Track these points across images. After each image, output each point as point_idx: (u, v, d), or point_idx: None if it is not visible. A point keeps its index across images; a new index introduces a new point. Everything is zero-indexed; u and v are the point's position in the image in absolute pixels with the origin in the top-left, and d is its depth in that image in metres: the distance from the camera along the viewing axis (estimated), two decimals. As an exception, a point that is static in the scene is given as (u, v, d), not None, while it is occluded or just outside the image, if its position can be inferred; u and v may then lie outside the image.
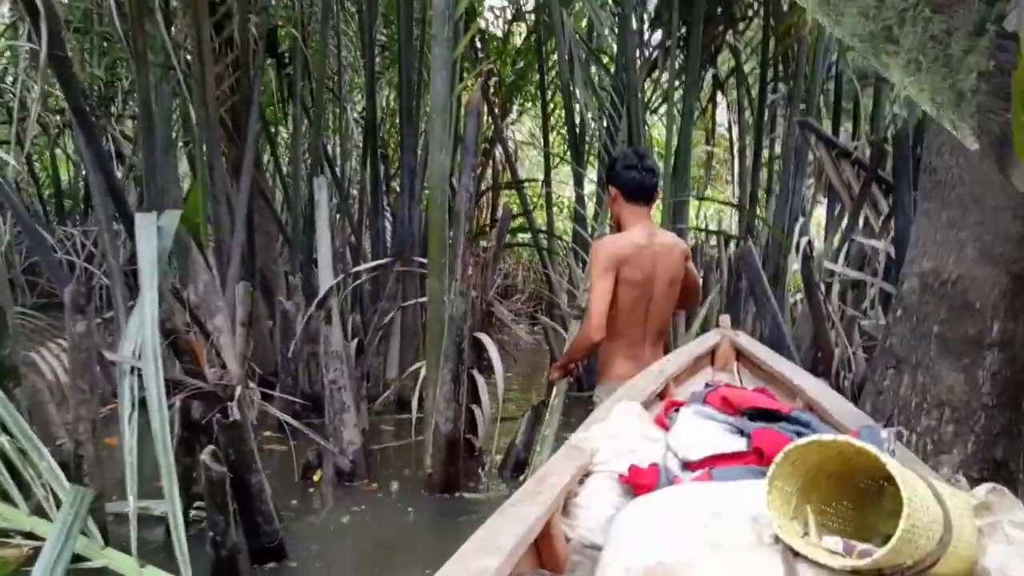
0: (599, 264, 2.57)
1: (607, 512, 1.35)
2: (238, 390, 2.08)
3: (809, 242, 4.29)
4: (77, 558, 1.94)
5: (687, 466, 1.47)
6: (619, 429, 1.61)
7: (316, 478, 3.38)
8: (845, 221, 5.48)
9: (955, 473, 2.21)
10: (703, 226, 9.07)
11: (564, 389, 3.41)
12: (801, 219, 5.04)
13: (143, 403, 1.90)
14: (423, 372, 3.42)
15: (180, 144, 8.40)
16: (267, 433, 3.65)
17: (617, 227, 2.78)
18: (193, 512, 2.53)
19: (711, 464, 1.43)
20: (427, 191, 5.90)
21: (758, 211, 6.60)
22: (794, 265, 5.13)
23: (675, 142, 5.71)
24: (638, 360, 2.63)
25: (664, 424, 1.71)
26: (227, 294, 3.62)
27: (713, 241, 7.86)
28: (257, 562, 2.32)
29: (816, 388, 2.08)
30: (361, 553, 2.70)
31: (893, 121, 7.65)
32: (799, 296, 6.23)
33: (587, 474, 1.49)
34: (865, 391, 2.59)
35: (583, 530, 1.34)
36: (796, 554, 0.97)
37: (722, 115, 8.98)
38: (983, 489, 1.09)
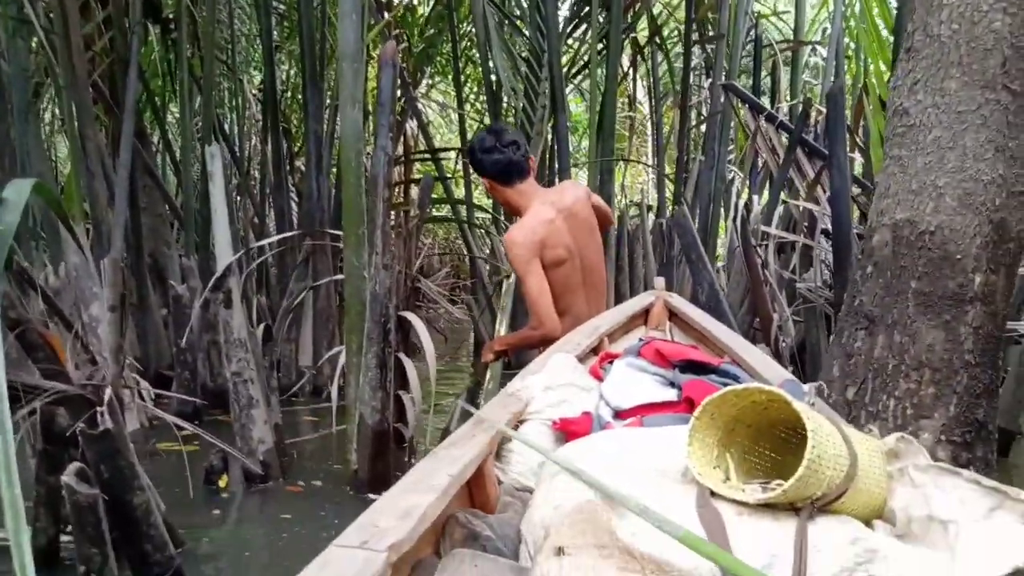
0: (520, 259, 2.36)
1: (539, 457, 1.37)
2: (108, 391, 1.66)
3: (746, 205, 4.12)
4: None
5: (619, 415, 1.51)
6: (554, 380, 1.64)
7: (222, 484, 2.95)
8: (767, 185, 5.42)
9: (937, 437, 2.05)
10: (624, 197, 8.93)
11: (499, 372, 3.13)
12: (737, 183, 4.90)
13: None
14: (343, 357, 3.04)
15: (58, 120, 7.58)
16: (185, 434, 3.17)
17: (514, 212, 2.57)
18: (66, 538, 2.09)
19: (642, 412, 1.48)
20: (336, 160, 5.47)
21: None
22: (727, 229, 5.00)
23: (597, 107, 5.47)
24: None
25: (598, 375, 1.76)
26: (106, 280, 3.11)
27: (632, 212, 7.73)
28: (149, 598, 1.91)
29: (743, 346, 2.15)
30: (276, 571, 2.31)
31: (805, 89, 7.71)
32: (720, 264, 6.17)
33: (521, 421, 1.53)
34: (830, 354, 2.41)
35: (515, 474, 1.39)
36: (715, 494, 1.01)
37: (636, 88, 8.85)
38: (892, 438, 1.15)
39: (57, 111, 7.29)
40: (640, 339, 2.00)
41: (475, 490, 1.29)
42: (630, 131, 8.71)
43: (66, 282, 2.59)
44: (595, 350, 2.13)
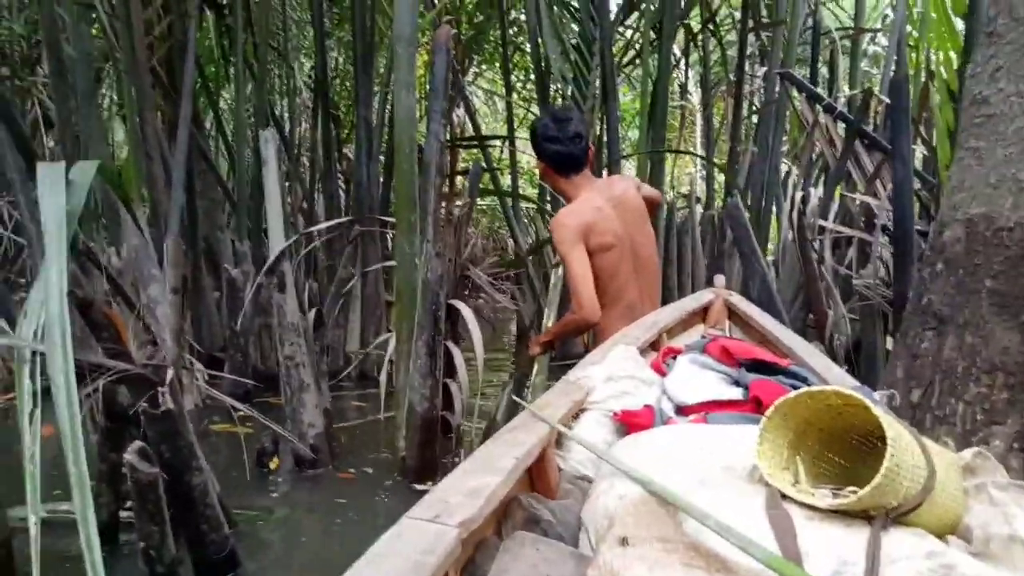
0: (565, 241, 2.33)
1: (600, 447, 1.36)
2: (169, 372, 1.68)
3: (804, 198, 4.00)
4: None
5: (682, 410, 1.49)
6: (615, 371, 1.63)
7: (273, 466, 3.00)
8: (823, 178, 5.25)
9: (1009, 445, 1.96)
10: (672, 188, 8.81)
11: (546, 364, 3.10)
12: (794, 174, 4.76)
13: (48, 392, 1.50)
14: (391, 344, 3.05)
15: (115, 105, 7.77)
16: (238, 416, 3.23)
17: (565, 198, 2.55)
18: (125, 514, 2.14)
19: (707, 409, 1.46)
20: (384, 147, 5.49)
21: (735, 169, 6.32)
22: (783, 221, 4.87)
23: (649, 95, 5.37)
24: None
25: (661, 369, 1.73)
26: (164, 262, 3.17)
27: (680, 204, 7.61)
28: (204, 576, 1.94)
29: (806, 350, 2.11)
30: (328, 557, 2.33)
31: (865, 78, 7.47)
32: (770, 259, 6.03)
33: (582, 410, 1.52)
34: (894, 354, 2.32)
35: (575, 462, 1.39)
36: (784, 496, 0.98)
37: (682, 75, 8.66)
38: (969, 452, 1.12)
39: (115, 96, 7.48)
40: (703, 336, 1.98)
41: (536, 476, 1.30)
42: (680, 121, 8.57)
43: (127, 263, 2.64)
44: (653, 345, 2.10)
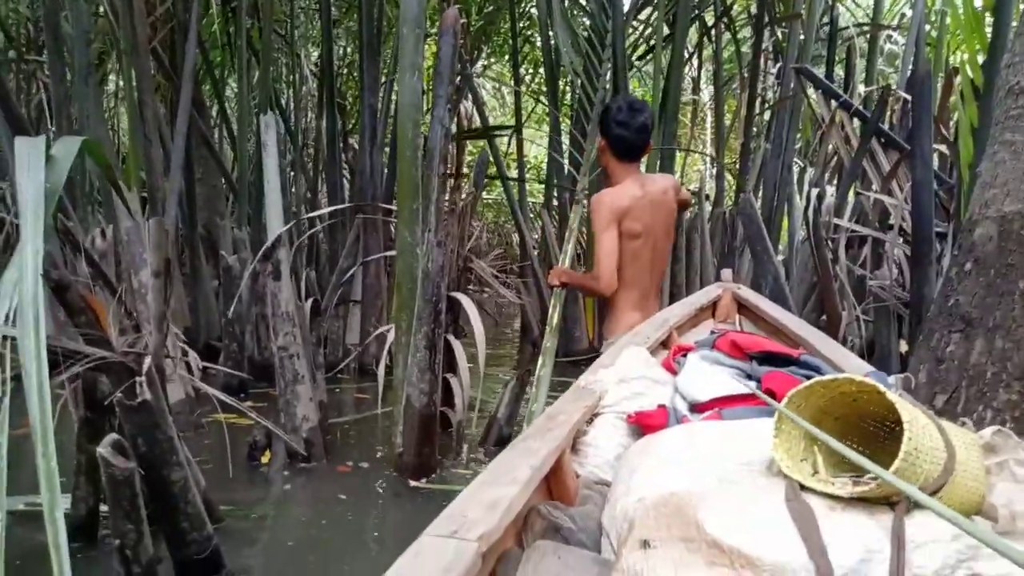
0: (602, 218, 2.49)
1: (615, 450, 1.38)
2: (147, 361, 1.58)
3: (819, 195, 3.88)
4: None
5: (696, 408, 1.47)
6: (627, 373, 1.61)
7: (265, 460, 2.90)
8: (837, 177, 5.12)
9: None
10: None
11: (551, 358, 3.00)
12: (810, 172, 4.63)
13: (19, 379, 1.40)
14: (391, 336, 2.95)
15: (122, 91, 7.68)
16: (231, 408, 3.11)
17: (606, 175, 2.67)
18: (105, 509, 2.04)
19: (720, 405, 1.43)
20: (389, 137, 5.38)
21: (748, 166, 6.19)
22: (797, 220, 4.74)
23: (660, 91, 5.25)
24: (646, 311, 2.54)
25: (672, 368, 1.71)
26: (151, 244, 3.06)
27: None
28: (183, 577, 1.83)
29: (819, 338, 2.06)
30: (316, 557, 2.23)
31: (881, 77, 7.31)
32: (780, 258, 5.89)
33: (596, 415, 1.51)
34: (916, 357, 2.20)
35: (592, 467, 1.38)
36: (804, 487, 0.96)
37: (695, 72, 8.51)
38: (989, 431, 1.10)
39: (122, 81, 7.38)
40: (712, 331, 1.94)
41: (554, 483, 1.29)
42: (692, 117, 8.43)
43: (112, 245, 2.54)
44: (664, 344, 2.07)
